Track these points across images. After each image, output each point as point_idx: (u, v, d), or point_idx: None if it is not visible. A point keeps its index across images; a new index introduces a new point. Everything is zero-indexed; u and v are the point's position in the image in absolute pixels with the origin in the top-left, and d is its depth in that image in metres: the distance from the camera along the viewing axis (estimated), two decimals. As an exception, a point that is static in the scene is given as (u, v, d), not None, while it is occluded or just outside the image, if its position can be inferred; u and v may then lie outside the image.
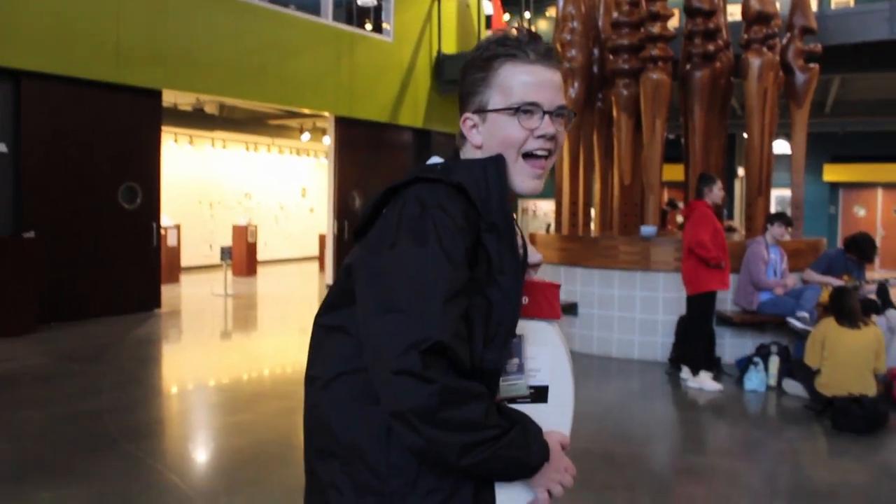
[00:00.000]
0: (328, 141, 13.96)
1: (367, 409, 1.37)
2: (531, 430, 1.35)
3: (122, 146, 10.01)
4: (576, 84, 8.70)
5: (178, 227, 14.25)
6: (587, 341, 8.02)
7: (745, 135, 8.62)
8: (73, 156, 9.45)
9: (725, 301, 7.35)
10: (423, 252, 1.29)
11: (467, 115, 1.50)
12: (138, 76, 10.00)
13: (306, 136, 17.49)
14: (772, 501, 4.30)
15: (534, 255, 1.53)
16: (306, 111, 13.68)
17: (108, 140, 9.84)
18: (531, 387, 1.43)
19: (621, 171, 8.80)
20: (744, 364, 6.79)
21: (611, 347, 7.88)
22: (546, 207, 21.79)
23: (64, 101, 9.35)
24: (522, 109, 1.44)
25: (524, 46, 1.46)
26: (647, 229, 8.01)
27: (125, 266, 10.03)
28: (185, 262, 14.94)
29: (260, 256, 16.26)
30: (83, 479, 4.22)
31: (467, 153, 1.51)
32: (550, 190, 9.40)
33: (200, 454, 4.94)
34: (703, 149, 8.37)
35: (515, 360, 1.42)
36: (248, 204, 17.89)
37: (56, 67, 9.13)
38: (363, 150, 13.89)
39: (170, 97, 12.23)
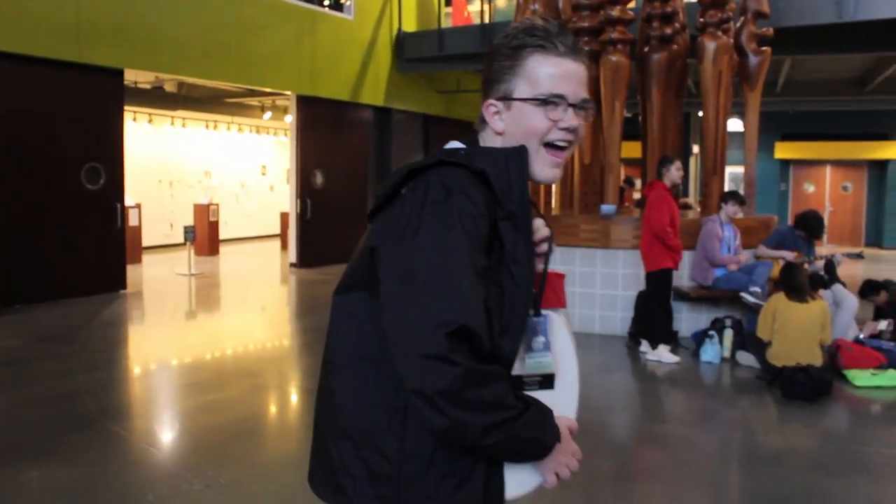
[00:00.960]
0: (290, 119, 13.98)
1: (383, 395, 1.40)
2: (545, 411, 1.39)
3: (85, 126, 9.95)
4: (537, 66, 8.87)
5: (138, 207, 14.18)
6: (550, 317, 8.26)
7: (701, 114, 8.92)
8: (35, 136, 9.37)
9: (682, 277, 7.65)
10: (449, 236, 1.31)
11: (491, 101, 1.50)
12: (99, 55, 9.93)
13: (268, 115, 17.45)
14: (726, 466, 4.60)
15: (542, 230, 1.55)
16: (267, 90, 13.68)
17: (71, 120, 9.78)
18: (539, 375, 1.47)
19: (581, 150, 9.03)
20: (699, 337, 7.11)
21: (573, 322, 8.13)
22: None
23: (24, 81, 9.24)
24: (549, 101, 1.45)
25: (553, 38, 1.46)
26: (607, 208, 8.27)
27: (90, 247, 10.01)
28: (145, 241, 14.87)
29: (221, 235, 16.24)
30: (70, 458, 4.35)
31: (487, 138, 1.52)
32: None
33: (182, 432, 5.08)
34: (660, 128, 8.65)
35: (541, 338, 1.47)
36: (209, 182, 17.80)
37: (15, 46, 9.01)
38: (325, 129, 13.94)
39: (130, 76, 12.12)
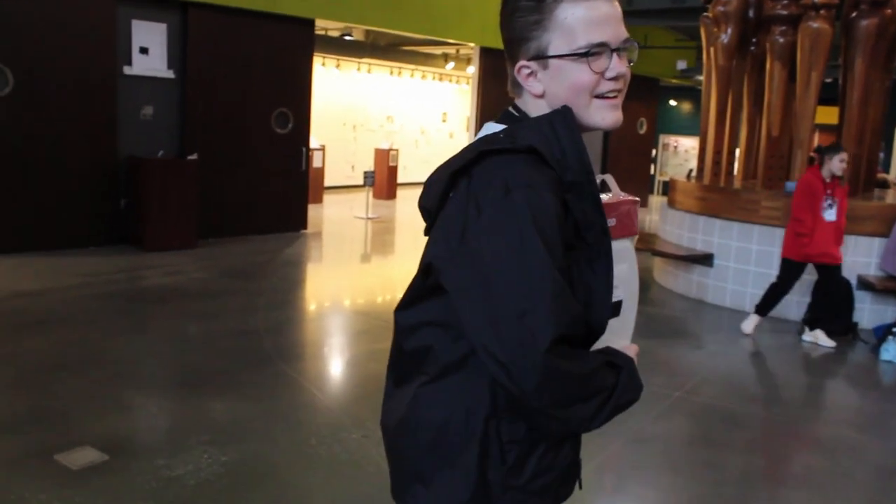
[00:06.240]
0: (472, 70, 14.09)
1: (474, 399, 1.36)
2: (630, 368, 1.36)
3: (277, 73, 10.53)
4: (729, 29, 8.44)
5: (322, 149, 14.88)
6: (720, 293, 8.01)
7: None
8: (231, 82, 10.04)
9: (870, 266, 7.16)
10: (521, 241, 1.20)
11: (523, 63, 1.36)
12: (292, 5, 10.40)
13: (451, 64, 17.67)
14: (893, 481, 4.33)
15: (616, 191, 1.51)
16: (451, 40, 13.81)
17: (264, 67, 10.37)
18: None
19: (770, 122, 8.54)
20: (882, 333, 6.65)
21: (744, 301, 7.83)
22: (687, 144, 21.19)
23: (224, 30, 9.88)
24: (591, 52, 1.30)
25: None
26: (792, 185, 7.80)
27: (275, 188, 10.67)
28: (327, 181, 15.61)
29: (399, 179, 16.76)
30: (246, 393, 4.74)
31: (527, 104, 1.41)
32: (693, 128, 9.23)
33: (347, 379, 5.41)
34: (860, 103, 8.00)
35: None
36: (390, 127, 18.36)
37: (219, -3, 9.64)
38: (507, 81, 13.85)
39: (320, 24, 12.63)
